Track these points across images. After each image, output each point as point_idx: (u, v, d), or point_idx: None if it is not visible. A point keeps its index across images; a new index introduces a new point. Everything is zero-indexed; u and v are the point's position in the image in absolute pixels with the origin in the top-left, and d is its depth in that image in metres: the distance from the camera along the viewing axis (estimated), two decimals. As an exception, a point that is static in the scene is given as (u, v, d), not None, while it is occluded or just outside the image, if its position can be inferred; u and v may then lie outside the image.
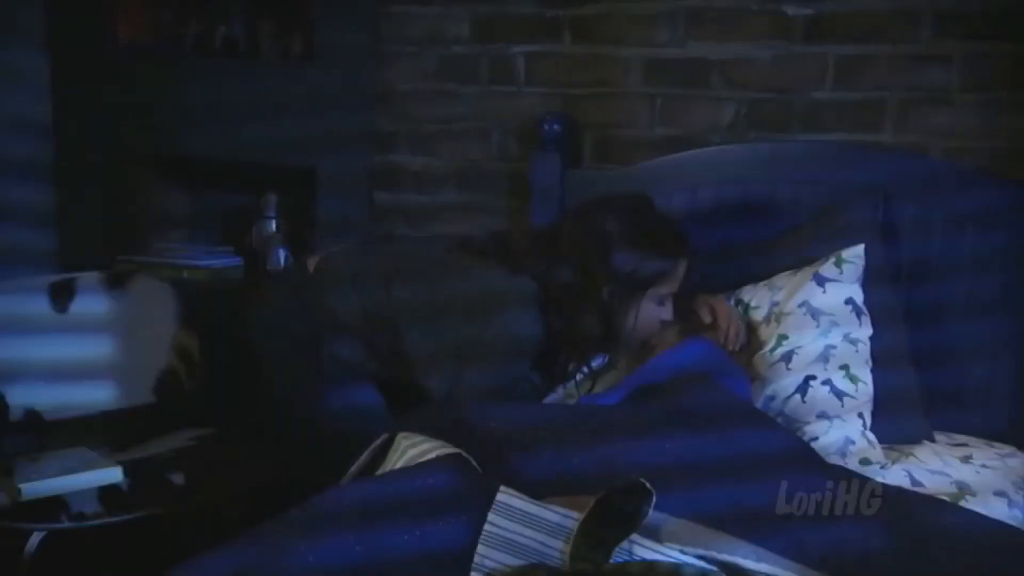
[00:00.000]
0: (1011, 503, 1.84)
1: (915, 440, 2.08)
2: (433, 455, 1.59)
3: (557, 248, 2.00)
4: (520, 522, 1.43)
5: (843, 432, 1.99)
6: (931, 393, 2.18)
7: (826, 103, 2.44)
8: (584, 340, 2.00)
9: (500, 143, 2.71)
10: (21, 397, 2.57)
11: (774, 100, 2.48)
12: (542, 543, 1.42)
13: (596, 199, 2.07)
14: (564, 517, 1.44)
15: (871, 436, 2.01)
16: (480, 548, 1.39)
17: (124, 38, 3.01)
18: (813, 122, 2.45)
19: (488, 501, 1.43)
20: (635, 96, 2.60)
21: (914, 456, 2.00)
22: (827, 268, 2.14)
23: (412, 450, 1.65)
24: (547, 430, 1.68)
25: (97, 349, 2.68)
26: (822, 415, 2.01)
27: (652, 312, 2.01)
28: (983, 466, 1.98)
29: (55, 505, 2.27)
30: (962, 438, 2.14)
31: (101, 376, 2.68)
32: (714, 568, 1.36)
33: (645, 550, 1.40)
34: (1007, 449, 2.07)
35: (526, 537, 1.42)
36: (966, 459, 2.00)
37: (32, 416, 2.59)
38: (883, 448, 2.00)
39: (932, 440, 2.10)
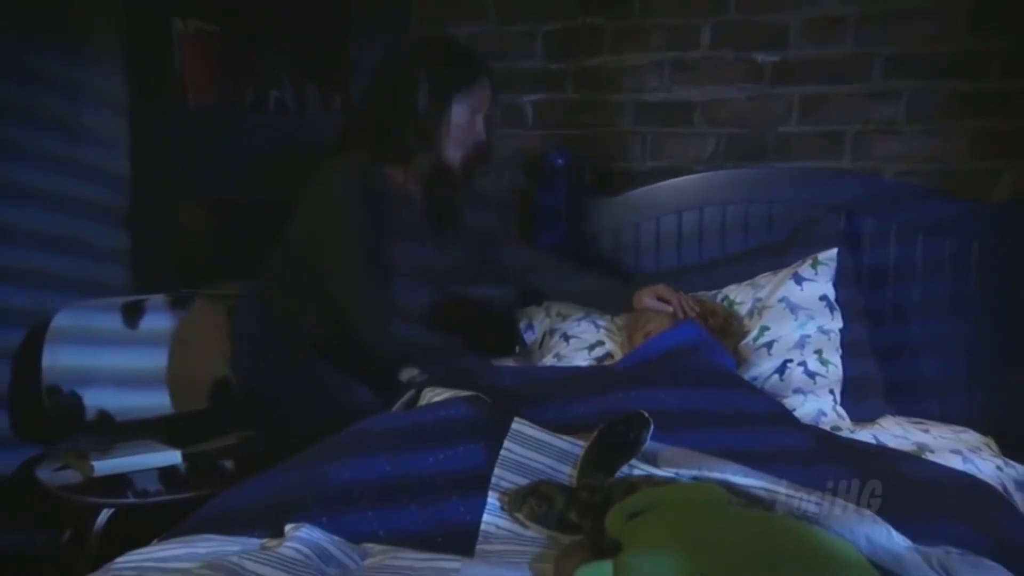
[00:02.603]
0: (965, 459, 1.83)
1: (876, 418, 2.06)
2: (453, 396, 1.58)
3: (377, 78, 2.09)
4: (533, 448, 1.44)
5: (817, 405, 1.99)
6: (891, 384, 2.17)
7: (793, 135, 2.46)
8: (407, 147, 2.03)
9: (511, 177, 2.72)
10: (95, 400, 2.59)
11: (748, 134, 2.50)
12: (551, 467, 1.42)
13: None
14: (572, 444, 1.44)
15: (840, 410, 2.01)
16: (497, 470, 1.39)
17: (193, 102, 3.06)
18: (783, 152, 2.47)
19: (504, 430, 1.43)
20: (628, 134, 2.62)
21: (879, 425, 1.99)
22: (804, 269, 2.16)
23: (436, 398, 1.64)
24: (554, 384, 1.68)
25: (161, 360, 2.69)
26: (798, 390, 2.01)
27: (463, 121, 2.03)
28: (939, 436, 1.96)
29: (122, 484, 2.27)
30: (919, 420, 2.11)
31: (164, 384, 2.68)
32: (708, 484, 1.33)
33: (645, 472, 1.38)
34: (961, 428, 2.05)
35: (537, 462, 1.43)
36: (924, 431, 1.99)
37: (104, 416, 2.60)
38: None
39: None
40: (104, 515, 2.20)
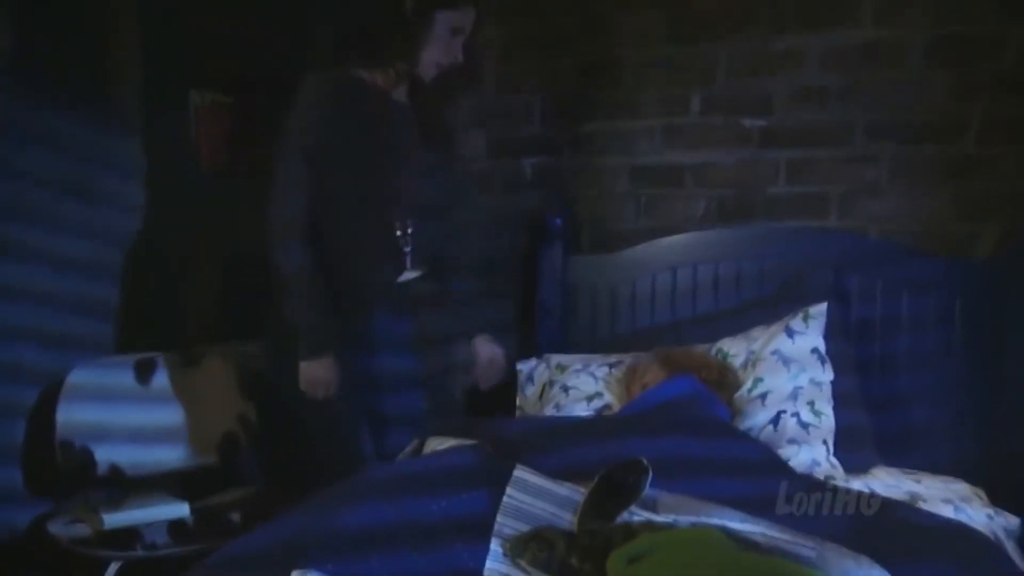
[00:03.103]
0: (957, 508, 1.82)
1: (868, 468, 2.04)
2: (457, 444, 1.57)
3: None
4: (534, 495, 1.42)
5: (810, 455, 1.98)
6: (881, 435, 2.16)
7: (781, 196, 2.48)
8: (389, 53, 2.05)
9: (512, 236, 2.72)
10: (107, 455, 2.55)
11: (738, 195, 2.52)
12: (553, 513, 1.40)
13: None
14: (572, 491, 1.43)
15: (834, 460, 1.99)
16: (499, 517, 1.37)
17: (206, 168, 3.08)
18: (771, 212, 2.48)
19: (506, 477, 1.42)
20: (623, 196, 2.65)
21: (871, 475, 1.97)
22: (796, 322, 2.16)
23: (440, 446, 1.63)
24: (555, 433, 1.66)
25: (172, 416, 2.67)
26: (792, 441, 2.00)
27: (443, 36, 2.05)
28: (930, 486, 1.94)
29: (132, 537, 2.24)
30: (911, 471, 2.09)
31: (174, 439, 2.66)
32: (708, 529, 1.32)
33: (644, 518, 1.37)
34: (951, 479, 2.03)
35: (539, 508, 1.41)
36: (916, 481, 1.97)
37: (115, 471, 2.57)
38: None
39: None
40: (113, 568, 2.17)
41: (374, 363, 2.15)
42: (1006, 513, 1.86)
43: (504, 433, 1.64)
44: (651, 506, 1.38)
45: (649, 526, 1.31)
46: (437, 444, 1.64)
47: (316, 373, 2.05)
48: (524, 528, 1.35)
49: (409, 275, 2.12)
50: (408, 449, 1.74)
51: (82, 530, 2.25)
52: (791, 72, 2.43)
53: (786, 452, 1.95)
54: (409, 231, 2.09)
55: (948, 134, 2.30)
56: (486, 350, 2.25)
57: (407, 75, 2.10)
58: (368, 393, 2.16)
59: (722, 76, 2.50)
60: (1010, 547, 1.74)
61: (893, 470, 2.03)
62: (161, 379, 2.70)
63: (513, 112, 2.74)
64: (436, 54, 2.07)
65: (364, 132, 2.06)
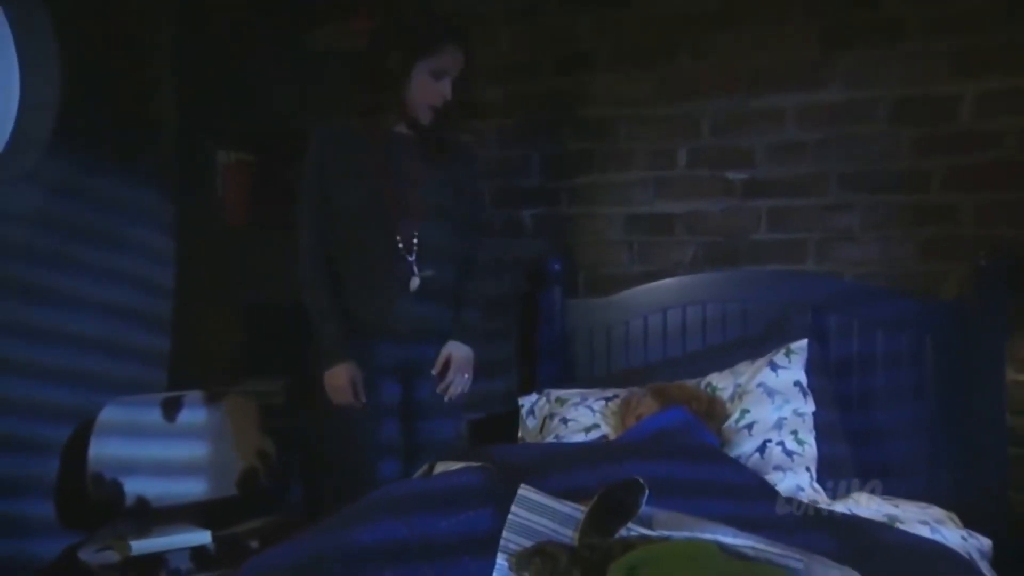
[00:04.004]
0: (933, 530, 1.81)
1: (849, 494, 2.02)
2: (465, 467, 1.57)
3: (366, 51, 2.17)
4: (538, 512, 1.42)
5: (795, 481, 1.98)
6: (860, 464, 2.15)
7: (763, 243, 2.49)
8: (380, 107, 2.11)
9: (514, 281, 2.74)
10: (134, 487, 2.55)
11: (723, 242, 2.54)
12: (555, 530, 1.40)
13: None
14: (574, 510, 1.43)
15: (817, 486, 1.98)
16: (505, 533, 1.37)
17: (231, 221, 3.11)
18: (754, 257, 2.49)
19: (511, 496, 1.42)
20: (617, 243, 2.66)
21: (852, 500, 1.96)
22: (779, 357, 2.17)
23: (449, 468, 1.63)
24: (556, 457, 1.66)
25: (196, 451, 2.66)
26: (777, 467, 2.00)
27: (428, 82, 2.08)
28: (907, 510, 1.93)
29: (157, 563, 2.22)
30: (889, 497, 2.08)
31: (198, 472, 2.65)
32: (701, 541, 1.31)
33: (640, 534, 1.36)
34: (926, 504, 2.01)
35: (542, 525, 1.41)
36: (894, 506, 1.95)
37: (142, 503, 2.56)
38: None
39: (862, 494, 2.05)
40: (140, 592, 2.15)
41: (411, 391, 2.20)
42: (978, 535, 1.85)
43: (508, 457, 1.64)
44: (647, 523, 1.38)
45: (646, 540, 1.31)
46: (446, 467, 1.64)
47: (337, 379, 2.10)
48: (528, 543, 1.35)
49: (417, 281, 2.11)
50: (418, 473, 1.74)
51: (111, 557, 2.23)
52: (771, 129, 2.46)
53: (772, 478, 1.94)
54: (415, 239, 2.11)
55: (913, 185, 2.33)
56: (453, 352, 2.17)
57: (401, 118, 2.14)
58: (404, 420, 2.20)
59: (707, 133, 2.54)
60: (984, 567, 1.72)
61: (873, 496, 2.02)
62: (186, 416, 2.71)
63: (514, 165, 2.77)
64: (425, 98, 2.10)
65: (363, 162, 2.13)
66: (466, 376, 2.19)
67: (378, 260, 2.12)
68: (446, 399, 2.18)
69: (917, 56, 2.31)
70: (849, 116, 2.39)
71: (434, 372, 2.17)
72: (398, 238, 2.10)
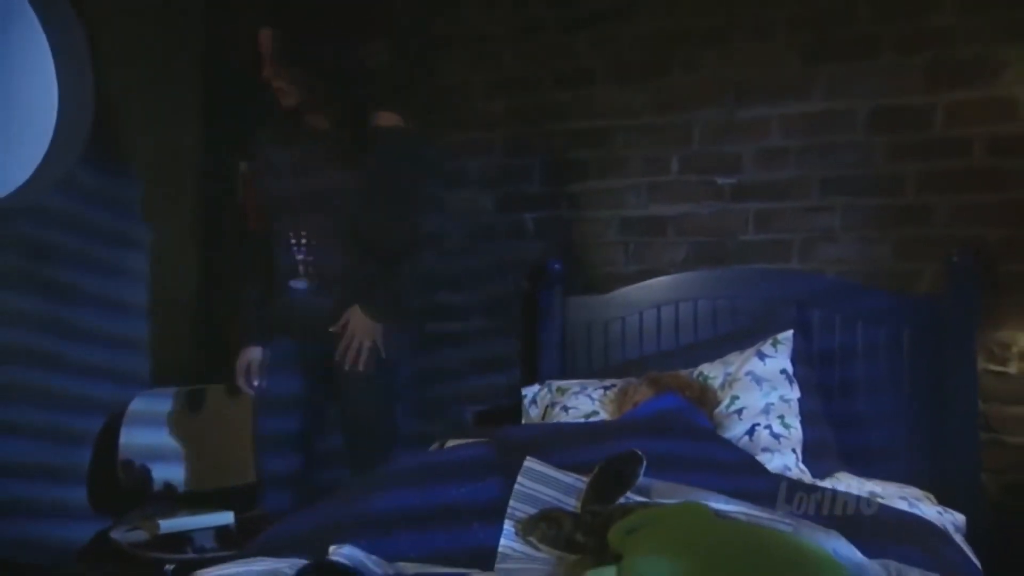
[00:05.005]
0: (911, 505, 1.81)
1: (833, 473, 2.02)
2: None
3: None
4: (542, 483, 1.42)
5: (782, 461, 1.97)
6: (841, 449, 2.14)
7: (750, 243, 2.48)
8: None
9: (516, 281, 2.74)
10: (162, 473, 2.54)
11: (713, 242, 2.53)
12: (558, 499, 1.40)
13: None
14: (576, 480, 1.43)
15: (802, 466, 1.98)
16: (512, 501, 1.37)
17: (252, 227, 3.10)
18: (742, 256, 2.49)
19: (517, 467, 1.41)
20: (613, 244, 2.65)
21: (835, 478, 1.95)
22: (766, 347, 2.17)
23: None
24: (559, 435, 1.66)
25: (218, 439, 2.66)
26: (765, 449, 1.98)
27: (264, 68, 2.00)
28: (887, 488, 1.92)
29: (183, 542, 2.21)
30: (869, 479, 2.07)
31: (220, 460, 2.64)
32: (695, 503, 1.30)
33: (638, 502, 1.36)
34: (903, 485, 2.00)
35: (547, 494, 1.40)
36: (875, 485, 1.94)
37: (169, 487, 2.55)
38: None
39: (843, 475, 2.04)
40: (168, 569, 2.13)
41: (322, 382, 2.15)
42: (953, 511, 1.85)
43: (513, 435, 1.63)
44: (645, 492, 1.37)
45: (644, 506, 1.30)
46: (453, 444, 1.63)
47: (238, 363, 2.16)
48: (533, 511, 1.34)
49: (298, 283, 2.04)
50: (433, 448, 1.74)
51: (141, 536, 2.22)
52: (756, 137, 2.47)
53: (761, 458, 1.91)
54: (303, 240, 2.03)
55: (889, 188, 2.33)
56: (352, 316, 1.99)
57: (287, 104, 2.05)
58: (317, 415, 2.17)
59: (697, 141, 2.54)
60: (958, 539, 1.72)
61: (854, 476, 2.01)
62: (209, 408, 2.71)
63: (516, 173, 2.77)
64: (267, 82, 2.02)
65: (270, 158, 2.11)
66: (366, 344, 1.98)
67: (278, 255, 2.09)
68: (346, 367, 1.99)
69: (891, 69, 2.32)
70: (829, 125, 2.39)
71: (332, 329, 2.00)
72: (291, 233, 2.04)
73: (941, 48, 2.27)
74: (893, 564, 1.18)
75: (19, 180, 2.45)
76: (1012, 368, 2.18)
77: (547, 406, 2.32)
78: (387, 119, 2.03)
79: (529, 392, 2.42)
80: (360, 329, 1.99)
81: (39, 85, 2.49)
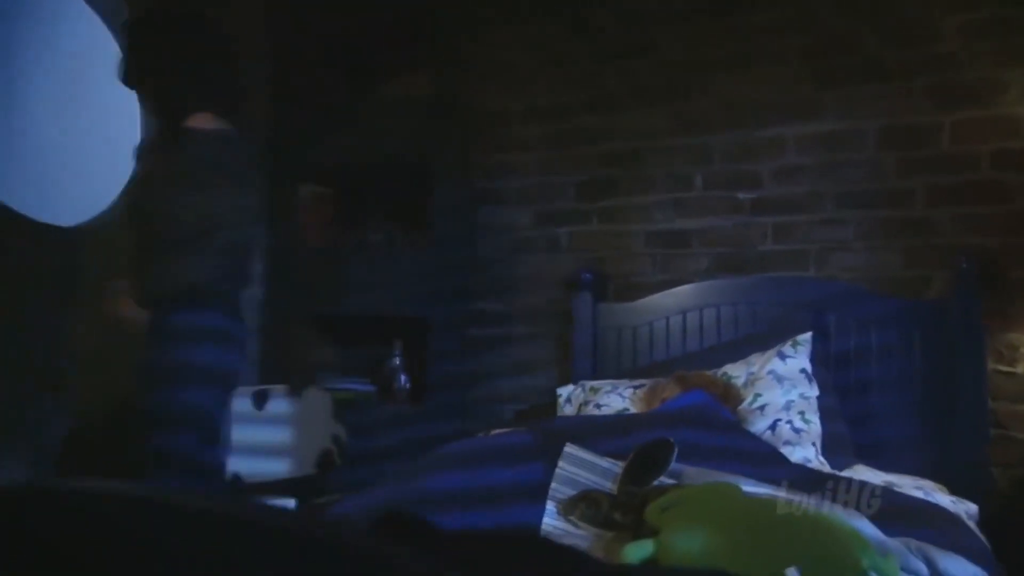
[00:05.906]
0: (927, 494, 1.77)
1: (850, 466, 1.99)
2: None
3: None
4: (581, 467, 1.42)
5: (803, 454, 1.95)
6: (857, 446, 2.12)
7: (769, 253, 2.48)
8: None
9: (552, 291, 2.75)
10: (231, 465, 2.57)
11: (734, 253, 2.53)
12: (596, 482, 1.40)
13: None
14: (612, 464, 1.43)
15: (822, 459, 1.95)
16: (553, 484, 1.38)
17: (312, 244, 3.16)
18: (762, 266, 2.48)
19: (558, 452, 1.42)
20: (641, 255, 2.66)
21: (853, 470, 1.93)
22: (787, 348, 2.16)
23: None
24: (595, 426, 1.66)
25: (280, 435, 2.69)
26: (787, 443, 1.97)
27: None
28: (902, 480, 1.89)
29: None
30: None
31: (282, 453, 2.67)
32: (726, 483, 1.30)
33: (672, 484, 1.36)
34: (917, 477, 1.97)
35: (585, 477, 1.41)
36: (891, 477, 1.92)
37: (236, 478, 2.58)
38: (830, 468, 1.93)
39: (860, 469, 2.01)
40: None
41: None
42: (966, 500, 1.82)
43: (554, 426, 1.64)
44: (677, 477, 1.38)
45: (677, 487, 1.30)
46: (496, 432, 1.65)
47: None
48: (573, 493, 1.35)
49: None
50: (480, 435, 1.75)
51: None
52: (774, 155, 2.47)
53: (783, 451, 1.91)
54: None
55: (899, 201, 2.32)
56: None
57: None
58: None
59: (719, 159, 2.55)
60: (972, 526, 1.69)
61: (870, 469, 1.99)
62: (273, 406, 2.74)
63: (552, 191, 2.80)
64: None
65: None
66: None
67: None
68: None
69: (898, 92, 2.32)
70: (841, 143, 2.39)
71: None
72: None
73: (945, 72, 2.27)
74: (914, 542, 1.17)
75: (98, 208, 2.51)
76: (1020, 368, 2.15)
77: (581, 404, 2.33)
78: (198, 120, 1.97)
79: (564, 392, 2.43)
80: (116, 309, 1.98)
81: (121, 116, 2.56)
